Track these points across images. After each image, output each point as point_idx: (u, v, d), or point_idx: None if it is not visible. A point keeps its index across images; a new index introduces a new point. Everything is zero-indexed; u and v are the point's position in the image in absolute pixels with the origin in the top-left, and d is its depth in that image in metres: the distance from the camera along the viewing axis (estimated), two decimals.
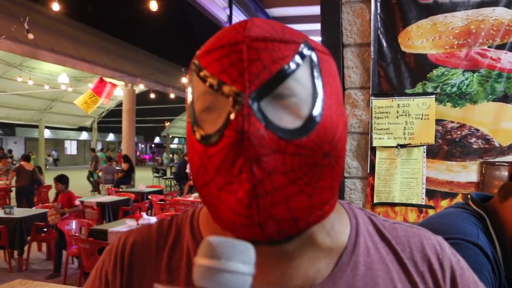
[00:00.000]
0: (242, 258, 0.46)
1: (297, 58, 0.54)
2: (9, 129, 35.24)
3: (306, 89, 0.54)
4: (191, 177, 12.30)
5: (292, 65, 0.54)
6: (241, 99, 0.51)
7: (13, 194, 11.56)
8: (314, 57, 0.57)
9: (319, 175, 0.54)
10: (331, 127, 0.55)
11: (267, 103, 0.52)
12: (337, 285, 0.62)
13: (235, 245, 0.46)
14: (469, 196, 1.33)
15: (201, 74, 0.56)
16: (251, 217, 0.51)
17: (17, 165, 11.06)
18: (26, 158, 11.14)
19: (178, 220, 0.73)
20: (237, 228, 0.54)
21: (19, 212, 7.15)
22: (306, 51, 0.56)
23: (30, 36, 10.29)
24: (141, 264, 0.69)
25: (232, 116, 0.51)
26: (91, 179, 17.13)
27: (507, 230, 1.17)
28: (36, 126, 29.64)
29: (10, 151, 24.72)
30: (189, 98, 0.60)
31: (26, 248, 6.75)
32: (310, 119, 0.53)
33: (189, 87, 0.60)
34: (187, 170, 13.34)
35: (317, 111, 0.54)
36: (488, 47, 2.07)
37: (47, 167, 20.54)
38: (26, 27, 10.07)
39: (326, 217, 0.58)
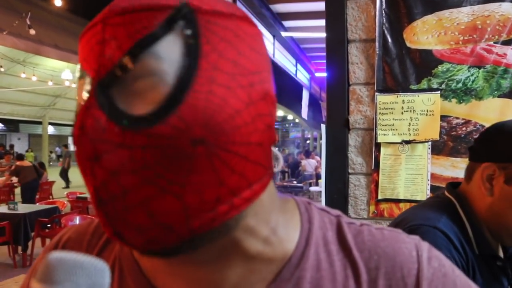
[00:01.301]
0: (86, 282, 0.38)
1: (163, 26, 0.43)
2: (12, 125, 35.33)
3: (171, 64, 0.43)
4: None
5: (150, 37, 0.43)
6: (90, 88, 0.43)
7: (17, 190, 11.59)
8: (192, 22, 0.44)
9: (189, 168, 0.42)
10: (207, 105, 0.42)
11: (118, 89, 0.43)
12: None
13: (79, 265, 0.38)
14: (445, 185, 1.37)
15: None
16: (105, 225, 0.44)
17: (13, 166, 11.05)
18: (19, 157, 11.22)
19: None
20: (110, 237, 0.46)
21: (23, 208, 7.18)
22: (178, 16, 0.44)
23: (32, 31, 10.32)
24: None
25: (78, 110, 0.43)
26: (63, 175, 17.00)
27: (476, 208, 1.20)
28: (39, 123, 29.76)
29: (12, 146, 24.78)
30: None
31: (30, 243, 6.77)
32: (170, 100, 0.42)
33: None
34: None
35: (180, 88, 0.42)
36: (494, 42, 2.06)
37: (51, 163, 20.57)
38: (28, 23, 10.08)
39: (223, 220, 0.45)
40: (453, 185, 1.33)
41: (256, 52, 0.49)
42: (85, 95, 0.43)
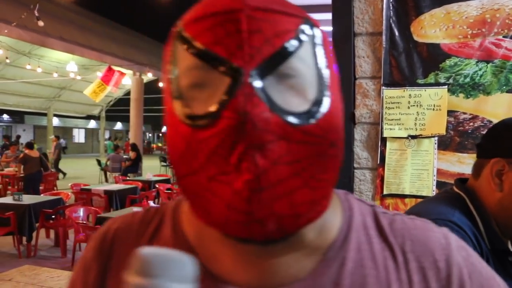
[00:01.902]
0: (178, 275, 0.40)
1: (301, 33, 0.48)
2: (18, 116, 35.48)
3: (311, 70, 0.48)
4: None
5: (296, 42, 0.47)
6: (240, 76, 0.44)
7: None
8: (317, 35, 0.50)
9: (324, 166, 0.48)
10: (336, 112, 0.49)
11: (271, 83, 0.45)
12: (320, 282, 0.55)
13: (170, 259, 0.40)
14: (454, 180, 1.37)
15: (189, 45, 0.48)
16: (250, 213, 0.45)
17: (22, 154, 11.05)
18: (29, 145, 11.14)
19: (164, 208, 0.68)
20: (230, 225, 0.47)
21: (28, 199, 7.20)
22: (308, 28, 0.49)
23: (40, 23, 10.32)
24: (120, 250, 0.64)
25: (231, 95, 0.44)
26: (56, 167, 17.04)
27: (486, 203, 1.21)
28: (44, 114, 29.86)
29: (18, 137, 24.86)
30: (171, 72, 0.51)
31: (34, 234, 6.80)
32: (318, 102, 0.47)
33: (170, 60, 0.52)
34: None
35: (324, 94, 0.48)
36: (503, 37, 2.03)
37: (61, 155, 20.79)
38: (37, 14, 10.08)
39: (324, 212, 0.52)
40: (462, 180, 1.33)
41: (336, 69, 0.55)
42: (236, 81, 0.44)
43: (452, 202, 1.23)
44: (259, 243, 0.49)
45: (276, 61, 0.46)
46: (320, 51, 0.50)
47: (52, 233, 7.58)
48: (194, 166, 0.48)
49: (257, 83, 0.44)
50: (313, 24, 0.51)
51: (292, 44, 0.47)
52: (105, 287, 0.63)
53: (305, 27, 0.49)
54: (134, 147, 14.18)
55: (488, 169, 1.19)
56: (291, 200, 0.46)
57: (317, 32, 0.51)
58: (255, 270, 0.55)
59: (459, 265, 0.57)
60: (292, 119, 0.45)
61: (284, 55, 0.46)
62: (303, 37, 0.48)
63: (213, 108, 0.45)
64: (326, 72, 0.50)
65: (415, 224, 0.61)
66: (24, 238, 6.76)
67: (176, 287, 0.39)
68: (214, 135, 0.45)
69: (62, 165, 17.65)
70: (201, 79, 0.47)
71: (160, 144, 47.07)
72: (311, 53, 0.49)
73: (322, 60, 0.50)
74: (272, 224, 0.46)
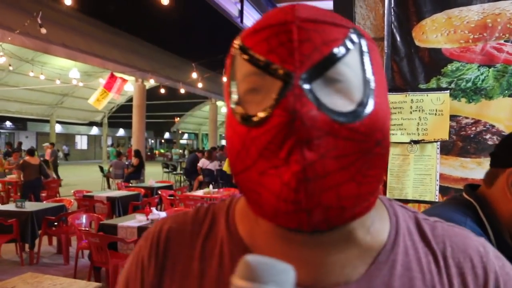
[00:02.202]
0: (281, 280, 0.43)
1: (348, 42, 0.53)
2: (20, 123, 35.55)
3: (357, 75, 0.53)
4: (211, 166, 12.46)
5: (343, 49, 0.52)
6: (291, 80, 0.49)
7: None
8: (364, 44, 0.55)
9: (371, 163, 0.52)
10: (382, 114, 0.54)
11: (318, 86, 0.50)
12: (373, 284, 0.59)
13: (275, 267, 0.44)
14: (463, 187, 1.35)
15: (247, 54, 0.54)
16: (298, 202, 0.49)
17: (21, 161, 11.03)
18: (30, 152, 11.11)
19: (215, 208, 0.72)
20: (281, 216, 0.51)
21: (31, 206, 7.20)
22: (355, 37, 0.54)
23: (43, 30, 10.36)
24: (175, 250, 0.68)
25: (282, 96, 0.49)
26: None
27: (498, 212, 1.19)
28: (47, 121, 29.93)
29: (20, 143, 24.88)
30: (231, 82, 0.57)
31: (37, 241, 6.79)
32: (363, 103, 0.52)
33: (230, 71, 0.58)
34: (200, 165, 13.35)
35: (369, 96, 0.52)
36: (505, 41, 2.03)
37: (58, 161, 20.69)
38: (39, 22, 10.13)
39: (371, 209, 0.57)
40: (471, 186, 1.31)
41: (385, 77, 0.59)
42: (287, 85, 0.49)
43: (463, 209, 1.22)
44: (307, 233, 0.52)
45: (323, 66, 0.50)
46: (366, 59, 0.54)
47: (54, 240, 7.57)
48: (247, 162, 0.53)
49: (306, 85, 0.49)
50: (360, 33, 0.55)
51: (339, 51, 0.51)
52: (162, 287, 0.66)
53: (352, 37, 0.54)
54: (137, 153, 14.20)
55: (504, 178, 1.17)
56: (338, 193, 0.50)
57: (364, 41, 0.55)
58: (309, 269, 0.58)
59: (495, 273, 0.61)
60: (338, 117, 0.49)
61: (331, 61, 0.51)
62: (349, 45, 0.53)
63: (266, 108, 0.50)
64: (371, 78, 0.54)
65: (454, 231, 0.65)
66: (27, 245, 6.75)
67: None
68: (265, 132, 0.50)
69: (63, 171, 17.66)
70: (257, 84, 0.53)
71: (163, 151, 47.10)
72: (358, 60, 0.54)
73: (368, 67, 0.54)
74: (319, 214, 0.50)
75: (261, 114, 0.50)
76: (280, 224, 0.52)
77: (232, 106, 0.56)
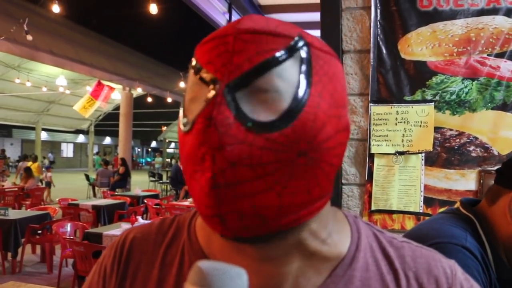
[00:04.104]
0: (234, 285, 0.44)
1: (284, 52, 0.52)
2: (5, 130, 35.16)
3: (289, 85, 0.51)
4: None
5: (277, 59, 0.51)
6: (218, 88, 0.50)
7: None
8: (305, 52, 0.54)
9: (291, 173, 0.51)
10: (313, 125, 0.52)
11: (244, 95, 0.50)
12: None
13: (226, 272, 0.44)
14: (459, 201, 1.33)
15: (193, 65, 0.56)
16: (211, 207, 0.50)
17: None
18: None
19: (180, 219, 0.73)
20: (205, 219, 0.53)
21: (14, 214, 7.11)
22: (298, 46, 0.53)
23: (29, 37, 10.31)
24: (137, 258, 0.69)
25: (206, 104, 0.50)
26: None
27: (497, 232, 1.18)
28: (33, 128, 29.66)
29: (3, 151, 24.58)
30: (186, 90, 0.59)
31: (20, 250, 6.70)
32: (287, 114, 0.50)
33: (186, 81, 0.60)
34: None
35: (296, 106, 0.51)
36: (488, 55, 2.07)
37: (43, 169, 20.42)
38: (25, 29, 10.07)
39: (304, 221, 0.55)
40: (468, 200, 1.30)
41: (343, 89, 0.58)
42: (211, 93, 0.50)
43: (463, 224, 1.20)
44: (230, 239, 0.53)
45: (251, 76, 0.50)
46: (305, 68, 0.53)
47: (38, 248, 7.48)
48: (183, 165, 0.55)
49: (229, 94, 0.50)
50: (307, 43, 0.55)
51: (270, 61, 0.51)
52: None
53: (293, 46, 0.53)
54: (123, 162, 14.11)
55: (506, 201, 1.17)
56: (253, 201, 0.50)
57: (307, 51, 0.54)
58: (261, 279, 0.59)
59: None
60: (255, 127, 0.49)
61: (260, 70, 0.50)
62: (285, 55, 0.52)
63: (195, 115, 0.52)
64: (306, 89, 0.52)
65: (422, 253, 0.65)
66: (9, 254, 6.65)
67: None
68: (190, 138, 0.52)
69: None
70: (196, 93, 0.54)
71: (149, 159, 46.82)
72: (295, 70, 0.52)
73: (305, 77, 0.53)
74: (234, 221, 0.50)
75: (192, 122, 0.52)
76: (209, 227, 0.53)
77: (180, 114, 0.58)
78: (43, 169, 16.14)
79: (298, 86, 0.52)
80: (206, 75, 0.52)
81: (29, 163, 15.52)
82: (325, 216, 0.61)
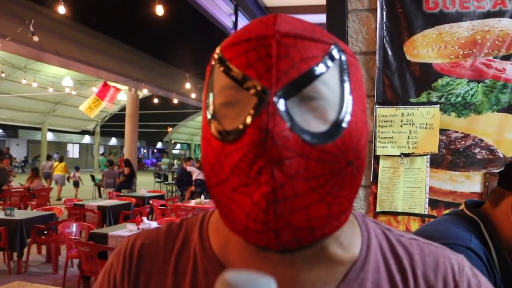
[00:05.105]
0: None
1: (327, 59, 0.52)
2: (12, 131, 35.31)
3: (334, 93, 0.52)
4: (201, 176, 12.43)
5: (322, 66, 0.51)
6: (266, 96, 0.48)
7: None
8: (344, 60, 0.54)
9: (341, 184, 0.51)
10: (356, 134, 0.52)
11: (294, 104, 0.49)
12: None
13: (256, 282, 0.42)
14: (463, 202, 1.34)
15: (225, 66, 0.53)
16: (266, 223, 0.48)
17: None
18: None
19: (188, 223, 0.71)
20: (250, 233, 0.51)
21: (20, 214, 7.14)
22: (336, 53, 0.53)
23: (35, 38, 10.34)
24: (148, 267, 0.67)
25: (256, 114, 0.48)
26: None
27: (501, 234, 1.19)
28: (39, 129, 29.73)
29: (7, 149, 24.70)
30: (208, 93, 0.56)
31: (25, 250, 6.73)
32: (337, 124, 0.51)
33: (209, 81, 0.57)
34: (199, 177, 13.18)
35: (344, 116, 0.51)
36: (494, 57, 2.07)
37: (73, 169, 20.58)
38: (32, 29, 10.11)
39: (341, 228, 0.56)
40: (472, 202, 1.31)
41: (365, 94, 0.59)
42: (260, 101, 0.48)
43: (467, 226, 1.21)
44: (277, 251, 0.52)
45: (300, 84, 0.49)
46: (345, 76, 0.54)
47: (43, 249, 7.51)
48: (221, 177, 0.52)
49: (281, 103, 0.48)
50: (341, 49, 0.54)
51: (317, 68, 0.50)
52: None
53: (332, 53, 0.53)
54: (127, 162, 14.14)
55: (509, 202, 1.18)
56: (307, 214, 0.49)
57: (344, 58, 0.54)
58: (281, 284, 0.56)
59: None
60: (310, 139, 0.49)
61: (308, 78, 0.50)
62: (329, 62, 0.52)
63: (240, 124, 0.49)
64: (348, 97, 0.53)
65: (430, 249, 0.65)
66: (15, 254, 6.68)
67: None
68: (238, 149, 0.49)
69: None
70: (233, 98, 0.52)
71: (155, 161, 46.89)
72: (336, 77, 0.53)
73: (346, 85, 0.53)
74: (288, 234, 0.49)
75: (235, 131, 0.50)
76: (249, 241, 0.52)
77: (208, 118, 0.55)
78: (73, 169, 16.92)
79: (342, 94, 0.52)
80: (248, 81, 0.50)
81: (55, 163, 16.74)
82: None
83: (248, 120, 0.48)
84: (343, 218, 0.55)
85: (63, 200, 9.87)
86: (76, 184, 16.24)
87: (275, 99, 0.48)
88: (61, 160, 16.93)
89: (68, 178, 16.56)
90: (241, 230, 0.52)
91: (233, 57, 0.52)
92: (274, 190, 0.47)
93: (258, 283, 0.43)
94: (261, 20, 0.53)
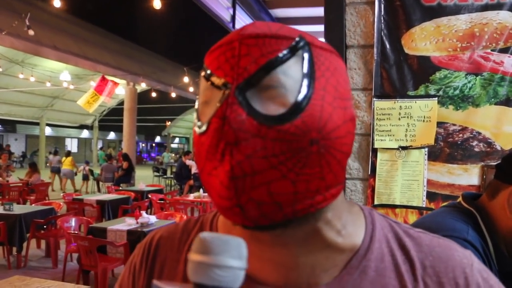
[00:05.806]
0: (234, 253, 0.47)
1: (286, 51, 0.56)
2: (10, 126, 35.27)
3: (294, 81, 0.56)
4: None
5: (280, 58, 0.56)
6: (229, 90, 0.55)
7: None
8: (306, 51, 0.58)
9: (305, 161, 0.54)
10: (321, 116, 0.56)
11: (253, 93, 0.55)
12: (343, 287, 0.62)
13: (227, 241, 0.47)
14: (461, 195, 1.35)
15: (205, 72, 0.60)
16: (230, 199, 0.54)
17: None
18: None
19: (204, 218, 0.78)
20: (224, 212, 0.56)
21: (19, 209, 7.14)
22: (299, 46, 0.58)
23: (31, 32, 10.30)
24: (163, 255, 0.74)
25: (219, 106, 0.55)
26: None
27: (498, 226, 1.20)
28: (37, 123, 29.70)
29: (8, 146, 24.67)
30: (198, 95, 0.63)
31: (25, 245, 6.74)
32: (295, 106, 0.55)
33: (199, 86, 0.63)
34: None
35: (302, 99, 0.55)
36: (492, 50, 2.07)
37: (47, 164, 20.46)
38: (27, 23, 10.07)
39: (319, 207, 0.58)
40: (469, 195, 1.32)
41: (346, 83, 0.63)
42: (221, 95, 0.55)
43: (464, 218, 1.22)
44: (253, 228, 0.57)
45: (258, 76, 0.55)
46: (307, 65, 0.58)
47: (43, 243, 7.52)
48: (200, 165, 0.59)
49: (240, 94, 0.55)
50: (307, 42, 0.59)
51: (274, 60, 0.56)
52: None
53: (295, 46, 0.57)
54: (125, 157, 14.14)
55: (505, 195, 1.19)
56: (269, 189, 0.54)
57: (309, 49, 0.59)
58: (280, 270, 0.63)
59: (478, 285, 0.62)
60: (266, 121, 0.54)
61: (266, 70, 0.55)
62: (289, 54, 0.57)
63: (209, 117, 0.56)
64: (310, 83, 0.57)
65: (438, 242, 0.67)
66: (14, 249, 6.69)
67: (232, 262, 0.47)
68: (207, 138, 0.56)
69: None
70: (208, 97, 0.59)
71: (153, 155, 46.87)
72: (298, 66, 0.57)
73: (310, 73, 0.58)
74: (253, 209, 0.54)
75: (206, 123, 0.57)
76: (229, 220, 0.58)
77: (195, 117, 0.63)
78: (83, 163, 17.64)
79: (302, 81, 0.56)
80: (216, 80, 0.57)
81: (63, 158, 17.49)
82: (340, 208, 0.64)
83: (213, 112, 0.55)
84: (318, 197, 0.57)
85: (61, 194, 9.86)
86: (85, 178, 16.90)
87: (236, 91, 0.54)
88: (67, 154, 17.48)
89: (76, 172, 17.09)
90: (220, 210, 0.58)
91: (209, 62, 0.60)
92: (232, 167, 0.53)
93: (228, 241, 0.47)
94: (237, 29, 0.60)
